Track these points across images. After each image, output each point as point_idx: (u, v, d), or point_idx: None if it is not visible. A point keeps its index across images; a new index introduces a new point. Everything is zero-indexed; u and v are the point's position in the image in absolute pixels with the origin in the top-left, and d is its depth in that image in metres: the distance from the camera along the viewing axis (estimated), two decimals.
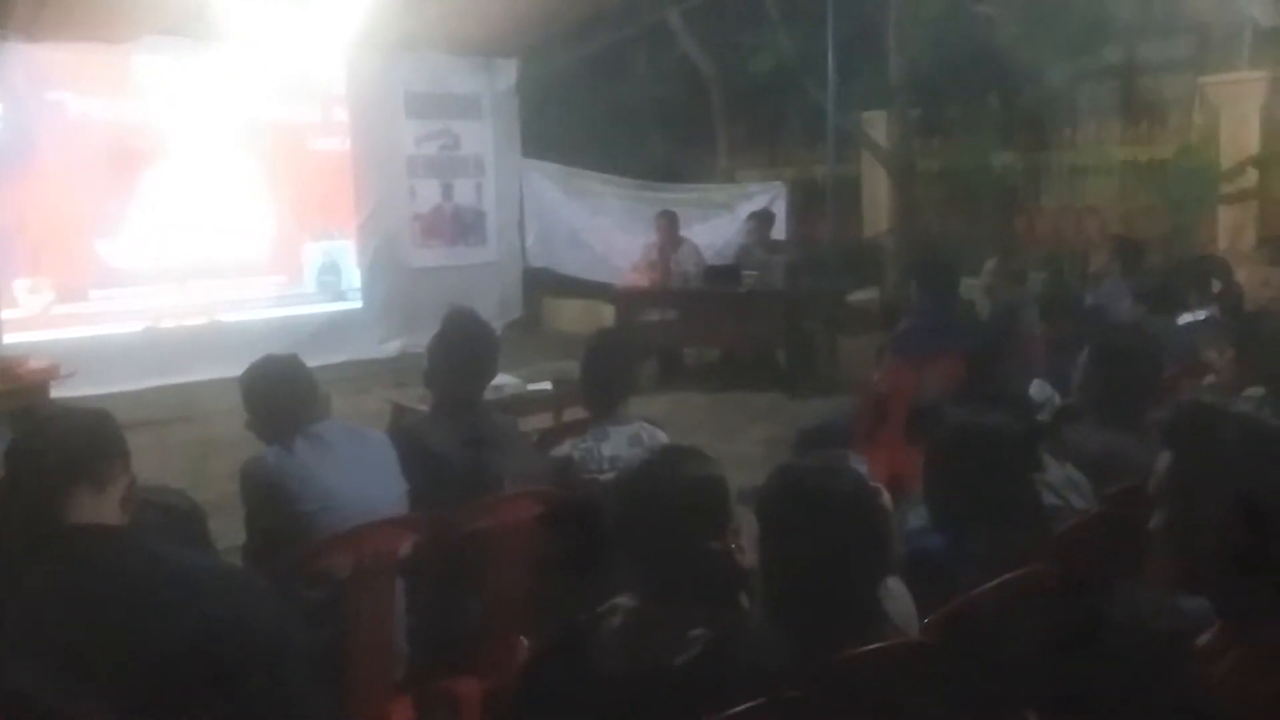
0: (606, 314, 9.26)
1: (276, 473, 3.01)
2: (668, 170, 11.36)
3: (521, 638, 3.16)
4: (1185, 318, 5.29)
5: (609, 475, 3.23)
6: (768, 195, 10.33)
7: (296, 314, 9.21)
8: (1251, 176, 8.41)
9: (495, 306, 9.96)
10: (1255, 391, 3.54)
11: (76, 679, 1.64)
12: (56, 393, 5.94)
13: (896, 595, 2.24)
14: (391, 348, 9.57)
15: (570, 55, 11.16)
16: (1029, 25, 9.70)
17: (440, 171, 10.38)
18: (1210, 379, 4.05)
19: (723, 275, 8.67)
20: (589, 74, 11.56)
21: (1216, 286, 5.72)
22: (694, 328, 8.72)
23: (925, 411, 4.20)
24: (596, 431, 3.47)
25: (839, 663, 1.94)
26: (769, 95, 11.54)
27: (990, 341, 5.37)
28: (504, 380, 4.97)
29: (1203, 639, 1.75)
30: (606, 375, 3.59)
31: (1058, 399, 4.03)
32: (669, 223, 9.06)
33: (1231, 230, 8.42)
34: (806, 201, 10.71)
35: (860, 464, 2.56)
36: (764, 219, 9.20)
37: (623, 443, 3.41)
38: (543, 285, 11.24)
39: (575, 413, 4.27)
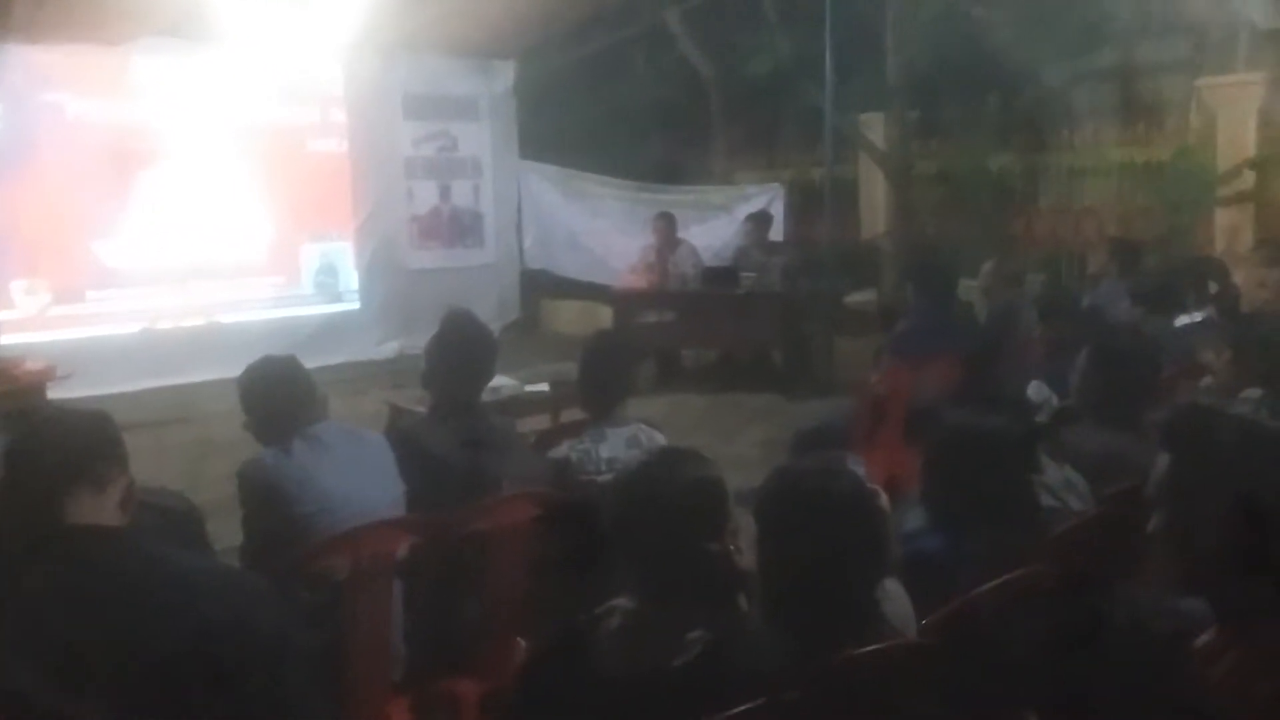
0: (604, 316, 9.27)
1: (274, 474, 3.01)
2: (665, 172, 11.37)
3: (519, 639, 3.16)
4: (1182, 319, 5.29)
5: (607, 477, 3.23)
6: (765, 197, 10.33)
7: (294, 315, 9.21)
8: (1248, 179, 8.42)
9: (493, 308, 9.96)
10: (1252, 393, 3.54)
11: (76, 680, 1.64)
12: (53, 394, 5.93)
13: (894, 597, 2.25)
14: (389, 349, 9.57)
15: (568, 57, 11.16)
16: (1026, 27, 9.71)
17: (438, 173, 10.38)
18: (1207, 380, 4.06)
19: (720, 277, 8.68)
20: (587, 75, 11.56)
21: (1213, 288, 5.73)
22: (692, 329, 8.72)
23: (923, 413, 4.20)
24: (594, 433, 3.47)
25: (837, 664, 1.94)
26: (767, 97, 11.55)
27: (988, 343, 5.38)
28: (501, 382, 4.97)
29: (1201, 640, 1.75)
30: (604, 377, 3.59)
31: (1055, 400, 4.03)
32: (667, 224, 9.06)
33: (1228, 232, 8.42)
34: (804, 203, 10.72)
35: (858, 465, 2.56)
36: (762, 220, 9.20)
37: (620, 444, 3.41)
38: (540, 287, 11.24)
39: (573, 414, 4.27)
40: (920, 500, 2.79)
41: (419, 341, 3.88)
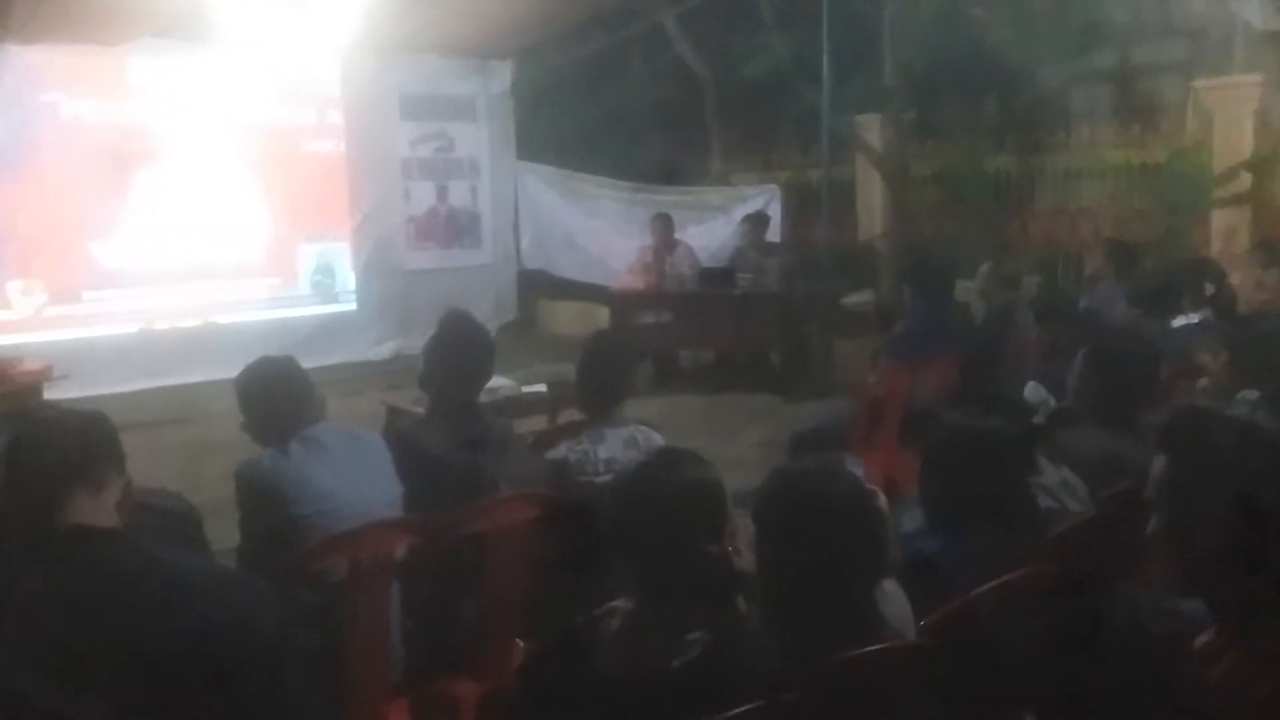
0: (601, 316, 9.26)
1: (272, 475, 3.01)
2: (663, 173, 11.36)
3: (518, 640, 3.16)
4: (1179, 321, 5.30)
5: (605, 478, 3.23)
6: (763, 198, 10.32)
7: (291, 316, 9.20)
8: (1245, 180, 8.43)
9: (490, 309, 9.96)
10: (1249, 394, 3.55)
11: (75, 681, 1.64)
12: (50, 394, 5.92)
13: (893, 598, 2.25)
14: (386, 350, 9.57)
15: (565, 58, 11.15)
16: (1023, 29, 9.72)
17: (435, 174, 10.38)
18: (1204, 382, 4.06)
19: (718, 278, 8.68)
20: (584, 76, 11.56)
21: (1210, 290, 5.74)
22: (689, 330, 8.72)
23: (920, 414, 4.21)
24: (592, 434, 3.47)
25: (836, 665, 1.94)
26: (764, 98, 11.55)
27: (985, 344, 5.39)
28: (499, 383, 4.97)
29: (1200, 641, 1.76)
30: (602, 378, 3.59)
31: (1052, 402, 4.04)
32: (664, 225, 9.06)
33: (1225, 234, 8.43)
34: (801, 204, 10.72)
35: (856, 467, 2.56)
36: (759, 222, 9.20)
37: (619, 445, 3.41)
38: (537, 287, 11.23)
39: (570, 415, 4.27)
40: (918, 501, 2.80)
41: (416, 342, 3.88)
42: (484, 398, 3.82)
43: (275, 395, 3.14)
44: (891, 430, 4.97)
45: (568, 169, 10.93)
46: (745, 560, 2.08)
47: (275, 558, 2.83)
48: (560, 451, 3.44)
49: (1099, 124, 10.08)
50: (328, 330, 9.24)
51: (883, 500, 2.34)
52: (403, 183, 10.15)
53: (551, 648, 2.13)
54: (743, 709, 1.80)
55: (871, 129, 10.63)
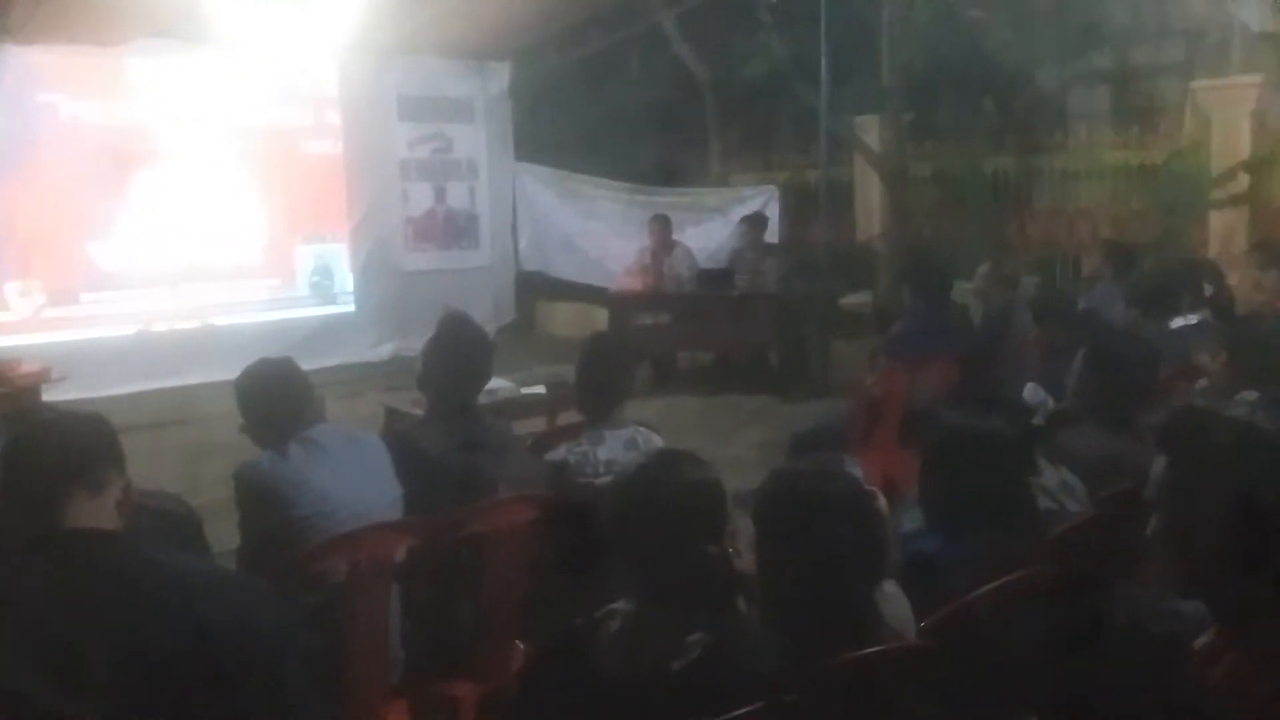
0: (599, 318, 9.26)
1: (271, 477, 3.01)
2: (661, 174, 11.37)
3: (517, 642, 3.16)
4: (1178, 322, 5.30)
5: (604, 479, 3.22)
6: (761, 199, 10.33)
7: (289, 317, 9.19)
8: (1243, 181, 8.44)
9: (488, 310, 9.95)
10: (1248, 395, 3.55)
11: (75, 683, 1.63)
12: (48, 396, 5.92)
13: (893, 598, 2.25)
14: (384, 351, 9.56)
15: (564, 59, 11.15)
16: (1021, 30, 9.73)
17: (433, 175, 10.37)
18: (1203, 383, 4.06)
19: (716, 279, 8.68)
20: (582, 77, 11.56)
21: (1209, 290, 5.74)
22: (687, 331, 8.72)
23: (919, 415, 4.21)
24: (591, 435, 3.46)
25: (836, 666, 1.94)
26: (762, 99, 11.55)
27: (983, 345, 5.39)
28: (498, 384, 4.97)
29: (1200, 641, 1.76)
30: (602, 379, 3.59)
31: (1051, 402, 4.04)
32: (662, 226, 9.07)
33: (1223, 234, 8.44)
34: (799, 205, 10.73)
35: (855, 467, 2.56)
36: (757, 223, 9.21)
37: (618, 446, 3.41)
38: (536, 289, 11.23)
39: (569, 416, 4.27)
40: (918, 502, 2.80)
41: (414, 343, 3.88)
42: (483, 399, 3.82)
43: (274, 397, 3.14)
44: (890, 431, 4.98)
45: (566, 170, 10.93)
46: (745, 561, 2.08)
47: (274, 559, 2.83)
48: (559, 453, 3.44)
49: (1097, 125, 10.09)
50: (326, 332, 9.23)
51: (882, 501, 2.34)
52: (401, 184, 10.14)
53: (551, 649, 2.12)
54: (743, 710, 1.80)
55: (870, 130, 10.63)
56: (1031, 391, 4.15)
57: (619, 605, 2.02)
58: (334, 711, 2.72)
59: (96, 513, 1.83)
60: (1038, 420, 3.66)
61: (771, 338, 8.63)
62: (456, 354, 3.54)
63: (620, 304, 8.94)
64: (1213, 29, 9.09)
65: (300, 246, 9.54)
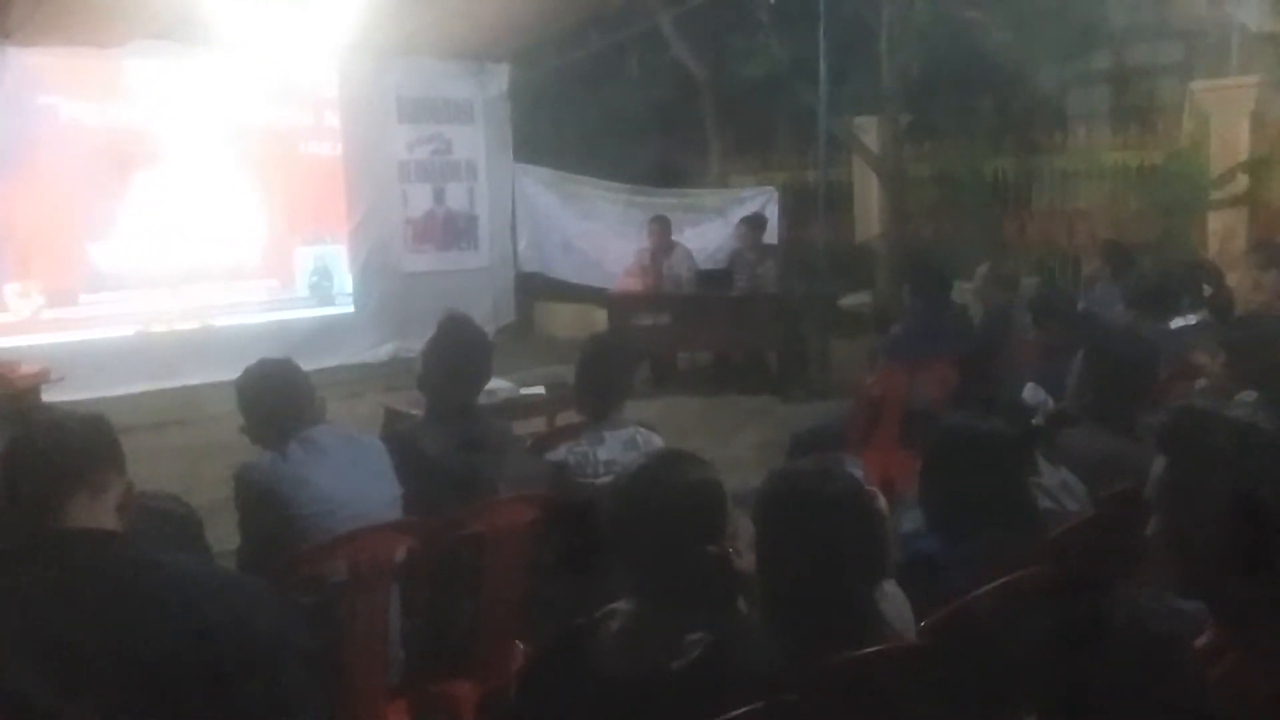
0: (598, 319, 9.26)
1: (271, 477, 3.01)
2: (660, 175, 11.36)
3: (517, 642, 3.16)
4: (1176, 322, 5.30)
5: (604, 479, 3.23)
6: (760, 200, 10.33)
7: (288, 318, 9.19)
8: (1241, 182, 8.44)
9: (487, 311, 9.95)
10: (1247, 396, 3.55)
11: (75, 684, 1.64)
12: (47, 397, 5.92)
13: (893, 598, 2.25)
14: (383, 352, 9.56)
15: (562, 60, 11.15)
16: (1019, 31, 9.73)
17: (432, 176, 10.38)
18: (1202, 383, 4.06)
19: (715, 279, 8.69)
20: (581, 78, 11.55)
21: (1208, 291, 5.74)
22: (687, 332, 8.72)
23: (919, 415, 4.21)
24: (591, 436, 3.47)
25: (836, 666, 1.95)
26: (761, 100, 11.55)
27: (983, 345, 5.39)
28: (497, 385, 4.97)
29: (1199, 641, 1.76)
30: (602, 380, 3.59)
31: (1051, 403, 4.04)
32: (661, 227, 9.07)
33: (1222, 235, 8.44)
34: (798, 206, 10.71)
35: (855, 467, 2.56)
36: (756, 223, 9.21)
37: (618, 447, 3.41)
38: (535, 290, 11.23)
39: (568, 417, 4.27)
40: (918, 502, 2.80)
41: (414, 344, 3.89)
42: (482, 400, 3.83)
43: (275, 397, 3.14)
44: (890, 431, 4.98)
45: (565, 171, 10.93)
46: (745, 561, 2.08)
47: (274, 559, 2.83)
48: (559, 453, 3.44)
49: (1096, 125, 10.10)
50: (325, 332, 9.23)
51: (882, 501, 2.34)
52: (400, 185, 10.15)
53: (551, 649, 2.12)
54: (743, 710, 1.80)
55: (869, 130, 10.63)
56: (1031, 392, 4.15)
57: (619, 605, 2.02)
58: (334, 711, 2.72)
59: (97, 513, 1.83)
60: (1037, 420, 3.66)
61: (771, 338, 8.63)
62: (456, 355, 3.54)
63: (619, 305, 8.95)
64: (1211, 29, 9.09)
65: (300, 248, 9.55)
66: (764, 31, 10.49)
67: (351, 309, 9.80)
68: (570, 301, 10.81)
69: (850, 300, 9.87)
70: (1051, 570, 2.42)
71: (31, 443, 1.87)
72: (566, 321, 10.61)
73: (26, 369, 6.04)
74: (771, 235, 9.58)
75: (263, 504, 3.00)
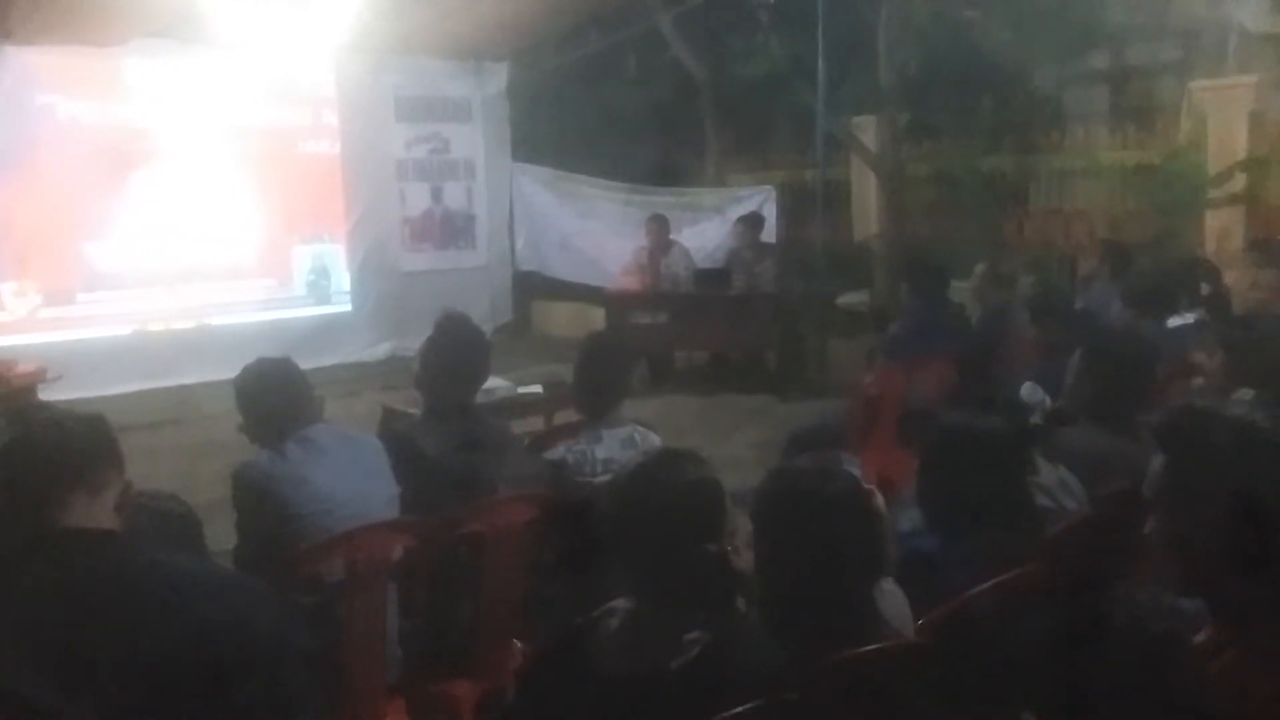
0: (596, 317, 9.25)
1: (269, 477, 3.01)
2: (658, 174, 11.36)
3: (516, 641, 3.16)
4: (1174, 321, 5.30)
5: (603, 478, 3.23)
6: (757, 199, 10.32)
7: (286, 317, 9.19)
8: (1239, 181, 8.44)
9: (485, 310, 9.95)
10: (1245, 394, 3.55)
11: (73, 684, 1.63)
12: (44, 396, 5.91)
13: (891, 597, 2.25)
14: (381, 351, 9.56)
15: (561, 59, 11.15)
16: (1018, 30, 9.72)
17: (430, 175, 10.38)
18: (1200, 382, 4.07)
19: (713, 278, 8.68)
20: (579, 78, 11.55)
21: (1205, 290, 5.75)
22: (684, 331, 8.72)
23: (917, 414, 4.21)
24: (590, 434, 3.47)
25: (835, 664, 1.94)
26: (759, 99, 11.55)
27: (981, 344, 5.38)
28: (495, 383, 4.97)
29: (1197, 639, 1.76)
30: (600, 378, 3.59)
31: (1049, 401, 4.04)
32: (659, 226, 9.07)
33: (1219, 234, 8.45)
34: (796, 205, 10.70)
35: (853, 466, 2.56)
36: (754, 222, 9.21)
37: (616, 445, 3.41)
38: (532, 289, 11.23)
39: (566, 416, 4.27)
40: (916, 501, 2.80)
41: (411, 343, 3.89)
42: (480, 399, 3.83)
43: (273, 396, 3.14)
44: (888, 430, 4.97)
45: (563, 170, 10.93)
46: (744, 560, 2.07)
47: (272, 559, 2.83)
48: (558, 452, 3.44)
49: (1094, 125, 10.10)
50: (323, 331, 9.23)
51: (880, 500, 2.34)
52: (398, 184, 10.15)
53: (550, 648, 2.12)
54: (742, 709, 1.80)
55: (867, 130, 10.63)
56: (1029, 390, 4.15)
57: (618, 604, 2.02)
58: (333, 711, 2.72)
59: (96, 513, 1.82)
60: (1035, 419, 3.66)
61: (769, 337, 8.63)
62: (454, 354, 3.54)
63: (617, 304, 8.94)
64: (1210, 29, 9.10)
65: (297, 246, 9.54)
66: (763, 31, 10.50)
67: (349, 308, 9.80)
68: (568, 300, 10.80)
69: (848, 299, 9.88)
70: (1050, 569, 2.42)
71: (30, 442, 1.86)
72: (564, 320, 10.60)
73: (23, 368, 6.03)
74: (770, 234, 9.57)
75: (261, 503, 3.00)
